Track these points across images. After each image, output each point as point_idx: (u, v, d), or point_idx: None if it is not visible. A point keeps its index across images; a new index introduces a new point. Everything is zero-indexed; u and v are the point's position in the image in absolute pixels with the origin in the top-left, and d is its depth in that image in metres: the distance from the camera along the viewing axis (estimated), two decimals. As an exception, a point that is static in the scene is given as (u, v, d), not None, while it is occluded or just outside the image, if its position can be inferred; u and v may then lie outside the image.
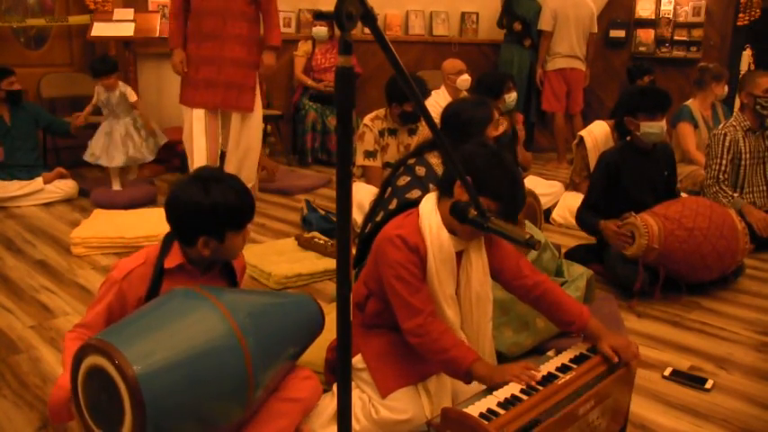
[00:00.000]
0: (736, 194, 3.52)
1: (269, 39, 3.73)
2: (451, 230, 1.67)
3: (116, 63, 4.21)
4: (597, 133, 4.03)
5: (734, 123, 3.56)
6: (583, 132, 4.06)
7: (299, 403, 1.67)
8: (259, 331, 1.53)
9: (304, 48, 5.56)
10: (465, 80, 4.64)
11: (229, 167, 3.86)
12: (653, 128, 2.86)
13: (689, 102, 4.51)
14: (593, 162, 3.78)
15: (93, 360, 1.34)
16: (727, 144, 3.52)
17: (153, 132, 4.38)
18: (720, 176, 3.54)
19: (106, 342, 1.32)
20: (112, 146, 4.19)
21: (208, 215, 1.60)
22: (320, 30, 5.43)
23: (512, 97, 3.97)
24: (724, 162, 3.53)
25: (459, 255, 1.71)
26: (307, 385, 1.70)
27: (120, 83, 4.20)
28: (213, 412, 1.43)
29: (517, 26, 5.89)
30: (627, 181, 2.93)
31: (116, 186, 4.26)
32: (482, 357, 1.63)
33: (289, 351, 1.67)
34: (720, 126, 3.63)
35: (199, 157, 3.83)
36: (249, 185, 3.80)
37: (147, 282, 1.64)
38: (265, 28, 3.75)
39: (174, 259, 1.67)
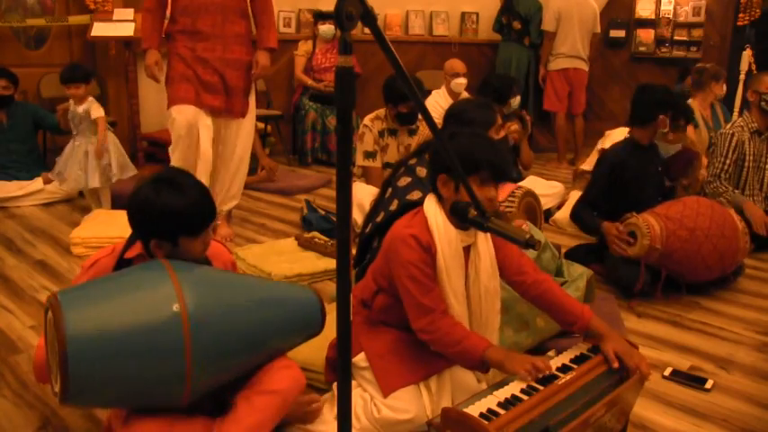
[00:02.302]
0: (737, 191, 3.52)
1: (268, 40, 3.33)
2: (457, 226, 1.68)
3: (88, 73, 3.72)
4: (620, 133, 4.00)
5: (741, 124, 3.58)
6: (615, 131, 4.05)
7: (277, 395, 1.62)
8: (220, 319, 1.52)
9: (304, 47, 5.56)
10: (459, 83, 4.63)
11: (221, 180, 3.45)
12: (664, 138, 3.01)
13: (689, 102, 4.52)
14: None
15: (50, 314, 1.43)
16: (733, 144, 3.53)
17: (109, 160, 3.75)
18: (722, 174, 3.55)
19: (57, 299, 1.41)
20: (76, 165, 3.71)
21: (155, 219, 1.59)
22: (329, 28, 5.42)
23: (516, 101, 3.98)
24: (728, 161, 3.54)
25: (467, 250, 1.72)
26: (285, 375, 1.65)
27: (90, 98, 3.70)
28: (142, 388, 1.46)
29: (517, 25, 5.89)
30: (629, 178, 2.95)
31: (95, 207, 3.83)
32: (495, 344, 1.64)
33: (265, 342, 1.65)
34: (729, 126, 3.65)
35: (204, 169, 3.27)
36: (234, 203, 3.52)
37: (111, 270, 1.66)
38: (263, 27, 3.34)
39: (134, 250, 1.68)
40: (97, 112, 3.67)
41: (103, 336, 1.39)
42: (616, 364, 1.59)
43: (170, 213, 1.58)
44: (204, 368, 1.49)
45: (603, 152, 3.12)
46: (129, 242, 1.70)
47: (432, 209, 1.70)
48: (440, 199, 1.70)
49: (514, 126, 3.86)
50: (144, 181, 1.65)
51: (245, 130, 3.45)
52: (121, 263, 1.67)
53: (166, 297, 1.46)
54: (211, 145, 3.30)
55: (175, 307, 1.45)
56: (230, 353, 1.56)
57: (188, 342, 1.45)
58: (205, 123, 3.25)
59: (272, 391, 1.62)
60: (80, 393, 1.37)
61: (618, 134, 4.02)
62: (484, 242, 1.74)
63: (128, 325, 1.42)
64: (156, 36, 3.22)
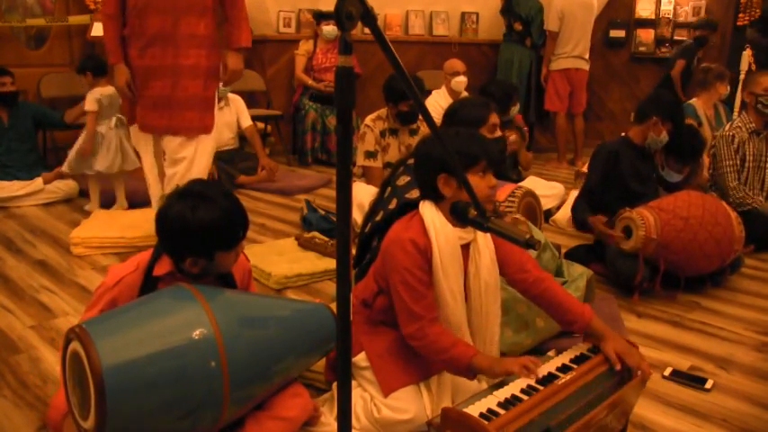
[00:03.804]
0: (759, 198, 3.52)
1: (238, 39, 2.85)
2: (455, 224, 1.68)
3: (93, 66, 3.81)
4: None
5: (740, 125, 3.58)
6: None
7: (287, 422, 1.65)
8: (251, 343, 1.52)
9: (305, 47, 5.56)
10: (459, 82, 4.63)
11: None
12: (663, 138, 2.98)
13: (693, 101, 4.53)
14: None
15: (74, 346, 1.37)
16: (735, 145, 3.53)
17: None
18: (740, 177, 3.54)
19: (85, 330, 1.35)
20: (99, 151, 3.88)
21: (194, 236, 1.56)
22: (333, 29, 5.41)
23: (515, 110, 4.00)
24: (736, 164, 3.54)
25: (466, 248, 1.72)
26: (296, 403, 1.69)
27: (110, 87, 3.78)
28: (179, 416, 1.42)
29: (518, 26, 5.90)
30: (624, 170, 3.00)
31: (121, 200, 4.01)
32: (481, 352, 1.65)
33: (286, 368, 1.65)
34: (727, 127, 3.64)
35: (153, 194, 3.11)
36: None
37: (138, 289, 1.63)
38: (231, 24, 2.86)
39: (163, 267, 1.65)
40: (89, 105, 3.80)
41: (139, 364, 1.35)
42: (619, 366, 1.58)
43: (209, 230, 1.56)
44: (239, 391, 1.48)
45: (599, 146, 3.14)
46: (155, 257, 1.66)
47: (428, 210, 1.70)
48: (438, 200, 1.70)
49: (513, 136, 3.88)
50: (171, 198, 1.62)
51: (205, 150, 2.97)
52: (149, 280, 1.64)
53: (199, 321, 1.44)
54: (159, 166, 2.99)
55: (210, 330, 1.43)
56: (262, 374, 1.56)
57: (225, 364, 1.43)
58: (147, 143, 2.96)
59: (282, 418, 1.64)
60: (117, 428, 1.32)
61: None
62: (483, 238, 1.74)
63: (163, 351, 1.39)
64: (119, 46, 2.82)
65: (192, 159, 2.93)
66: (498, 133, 2.59)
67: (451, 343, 1.63)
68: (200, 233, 1.56)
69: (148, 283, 1.64)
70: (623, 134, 3.14)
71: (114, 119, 3.90)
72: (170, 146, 2.92)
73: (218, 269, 1.66)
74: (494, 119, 2.61)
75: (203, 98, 2.88)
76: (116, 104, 3.86)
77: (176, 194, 1.62)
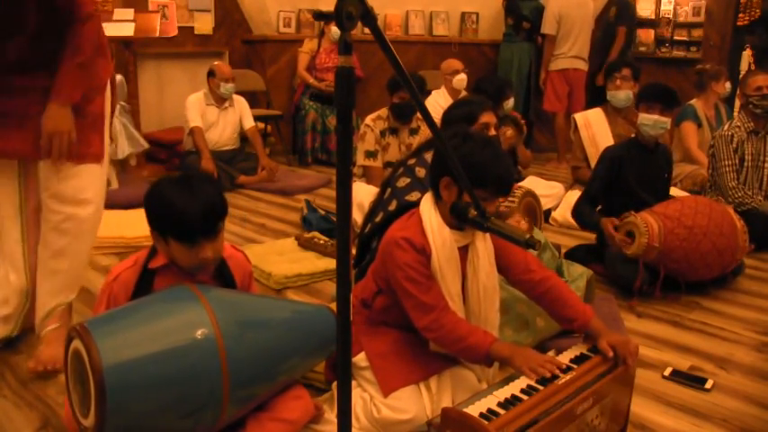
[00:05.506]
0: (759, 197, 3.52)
1: (60, 89, 1.92)
2: (453, 226, 1.68)
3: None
4: (590, 114, 4.20)
5: (738, 124, 3.58)
6: (576, 115, 4.15)
7: (288, 425, 1.65)
8: (251, 344, 1.52)
9: (309, 45, 5.56)
10: (461, 80, 4.65)
11: (42, 262, 2.11)
12: (647, 120, 2.91)
13: (693, 101, 4.53)
14: (586, 142, 4.05)
15: (76, 344, 1.38)
16: (734, 145, 3.53)
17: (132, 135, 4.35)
18: (740, 177, 3.54)
19: (86, 329, 1.36)
20: None
21: (149, 208, 1.59)
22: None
23: (509, 104, 4.01)
24: (735, 164, 3.54)
25: (464, 249, 1.72)
26: (297, 405, 1.69)
27: (118, 75, 4.08)
28: (178, 416, 1.42)
29: (526, 25, 5.90)
30: (629, 176, 2.95)
31: (114, 184, 4.15)
32: (499, 339, 1.65)
33: (287, 369, 1.66)
34: (726, 127, 3.63)
35: None
36: (70, 298, 2.12)
37: (133, 284, 1.64)
38: (66, 59, 1.91)
39: (159, 260, 1.66)
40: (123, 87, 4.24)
41: (140, 363, 1.35)
42: (611, 353, 1.60)
43: (160, 206, 1.57)
44: (239, 391, 1.48)
45: (604, 150, 3.13)
46: (153, 249, 1.67)
47: (427, 210, 1.70)
48: (438, 199, 1.70)
49: (510, 132, 3.88)
50: (157, 184, 1.63)
51: (89, 179, 2.10)
52: (145, 274, 1.64)
53: (200, 321, 1.44)
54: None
55: (210, 330, 1.44)
56: (262, 375, 1.56)
57: (225, 365, 1.43)
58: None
59: (283, 420, 1.64)
60: (117, 426, 1.33)
61: (591, 112, 4.20)
62: (482, 241, 1.74)
63: (164, 351, 1.39)
64: None
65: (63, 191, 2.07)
66: (492, 133, 2.59)
67: (468, 331, 1.63)
68: (153, 207, 1.58)
69: (144, 277, 1.65)
70: (633, 135, 3.11)
71: (118, 107, 4.04)
72: (41, 177, 2.07)
73: (174, 259, 1.61)
74: (487, 118, 2.59)
75: (80, 115, 2.02)
76: (122, 92, 3.95)
77: (157, 181, 1.63)
